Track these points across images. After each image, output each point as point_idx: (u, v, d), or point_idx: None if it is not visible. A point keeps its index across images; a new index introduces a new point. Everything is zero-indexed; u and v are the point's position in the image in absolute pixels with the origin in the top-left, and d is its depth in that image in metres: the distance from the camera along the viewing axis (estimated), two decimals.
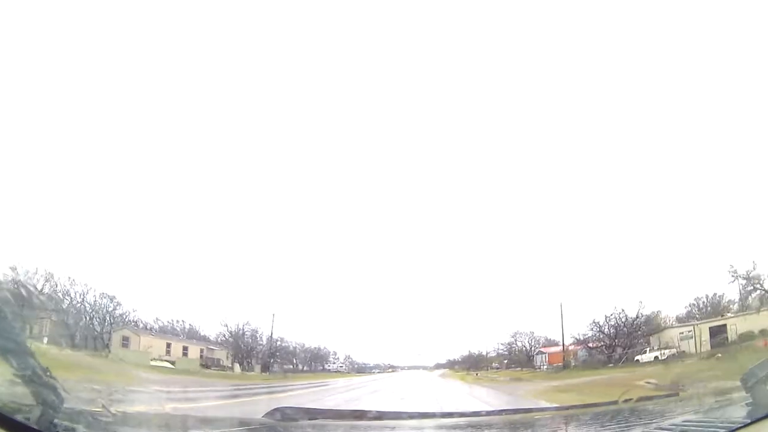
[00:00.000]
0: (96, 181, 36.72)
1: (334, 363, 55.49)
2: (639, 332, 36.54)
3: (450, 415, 3.97)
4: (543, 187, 50.39)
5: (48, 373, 2.06)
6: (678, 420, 3.04)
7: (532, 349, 48.46)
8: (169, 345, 36.46)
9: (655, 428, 3.08)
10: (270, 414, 3.32)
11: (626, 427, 3.22)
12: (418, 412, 4.02)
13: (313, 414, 3.58)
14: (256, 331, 44.13)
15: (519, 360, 49.01)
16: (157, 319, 39.43)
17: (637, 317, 36.66)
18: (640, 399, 3.98)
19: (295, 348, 50.31)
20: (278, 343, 45.91)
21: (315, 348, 53.39)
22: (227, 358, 41.80)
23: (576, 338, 40.67)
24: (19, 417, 1.98)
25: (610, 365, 34.76)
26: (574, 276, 41.11)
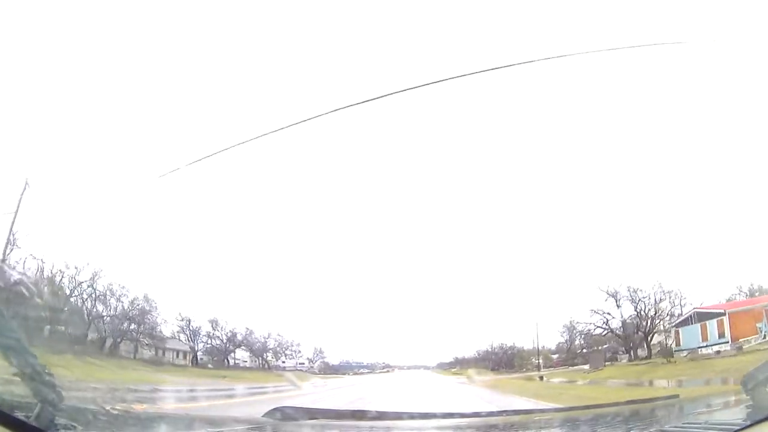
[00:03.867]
0: None
1: (291, 359, 37.40)
2: None
3: (450, 415, 3.96)
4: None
5: (47, 371, 2.07)
6: (678, 422, 3.03)
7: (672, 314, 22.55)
8: None
9: (655, 430, 3.07)
10: (270, 413, 3.33)
11: (626, 428, 3.22)
12: (419, 413, 4.01)
13: (313, 414, 3.58)
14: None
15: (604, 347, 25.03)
16: None
17: None
18: (641, 401, 3.98)
19: (186, 322, 28.83)
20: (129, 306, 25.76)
21: (247, 333, 32.71)
22: None
23: None
24: (19, 414, 1.99)
25: None
26: None
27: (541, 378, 26.15)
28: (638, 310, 24.17)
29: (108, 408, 2.54)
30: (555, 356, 30.64)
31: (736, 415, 2.60)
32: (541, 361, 31.30)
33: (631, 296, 23.94)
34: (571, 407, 4.70)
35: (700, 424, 2.86)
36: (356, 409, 3.30)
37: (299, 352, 36.28)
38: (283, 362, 36.93)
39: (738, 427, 2.32)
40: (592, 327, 25.70)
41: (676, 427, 2.87)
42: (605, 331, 25.54)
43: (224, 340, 32.86)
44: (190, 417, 3.91)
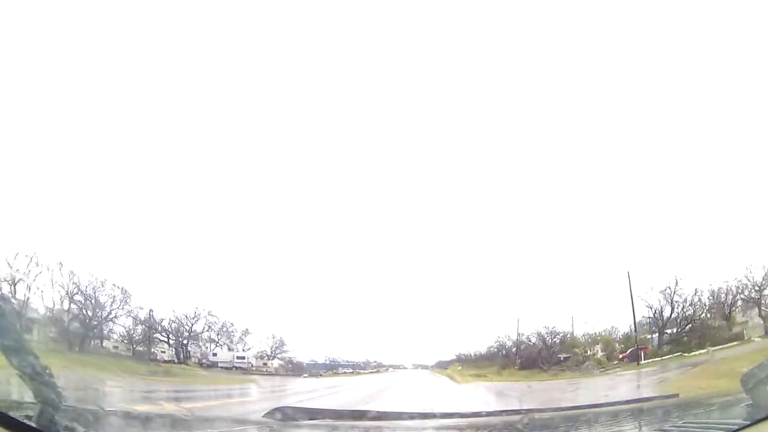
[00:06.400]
0: None
1: (228, 350, 23.89)
2: None
3: (450, 415, 3.96)
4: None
5: (48, 372, 2.07)
6: (678, 422, 3.03)
7: None
8: None
9: (655, 430, 3.08)
10: (270, 414, 3.35)
11: (626, 428, 3.22)
12: (419, 413, 4.02)
13: (313, 414, 3.59)
14: None
15: None
16: None
17: None
18: (641, 400, 3.98)
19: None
20: None
21: (124, 295, 18.97)
22: None
23: None
24: (19, 415, 1.99)
25: None
26: None
27: None
28: None
29: (108, 409, 2.54)
30: (655, 341, 18.02)
31: (736, 414, 2.60)
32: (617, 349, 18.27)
33: None
34: (572, 407, 4.70)
35: (700, 423, 2.86)
36: (356, 409, 3.31)
37: (245, 341, 23.21)
38: (215, 354, 23.29)
39: (738, 427, 2.31)
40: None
41: (676, 426, 2.87)
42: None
43: (84, 304, 17.53)
44: (190, 417, 3.92)
